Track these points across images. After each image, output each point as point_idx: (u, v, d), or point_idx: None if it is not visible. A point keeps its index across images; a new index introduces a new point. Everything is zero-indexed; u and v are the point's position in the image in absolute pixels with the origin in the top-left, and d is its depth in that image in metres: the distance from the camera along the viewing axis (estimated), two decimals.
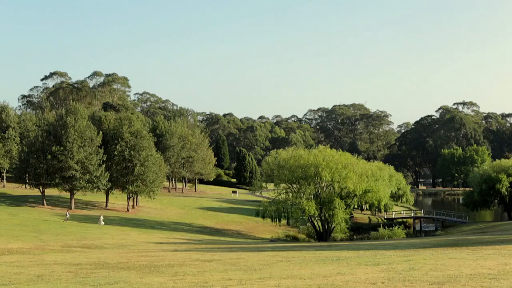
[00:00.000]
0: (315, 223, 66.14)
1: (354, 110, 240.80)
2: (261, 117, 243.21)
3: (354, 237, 71.92)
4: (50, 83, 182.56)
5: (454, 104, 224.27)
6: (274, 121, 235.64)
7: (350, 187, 63.05)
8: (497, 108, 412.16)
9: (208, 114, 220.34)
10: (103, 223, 59.03)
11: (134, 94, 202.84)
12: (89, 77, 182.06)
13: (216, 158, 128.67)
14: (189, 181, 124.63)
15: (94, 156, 69.53)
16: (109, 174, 71.53)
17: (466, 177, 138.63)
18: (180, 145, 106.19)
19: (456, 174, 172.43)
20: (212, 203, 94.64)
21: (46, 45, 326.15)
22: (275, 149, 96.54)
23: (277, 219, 65.65)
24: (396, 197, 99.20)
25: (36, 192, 76.82)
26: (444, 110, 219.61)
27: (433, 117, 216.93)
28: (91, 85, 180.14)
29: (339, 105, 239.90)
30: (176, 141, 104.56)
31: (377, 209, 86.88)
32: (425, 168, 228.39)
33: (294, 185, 66.40)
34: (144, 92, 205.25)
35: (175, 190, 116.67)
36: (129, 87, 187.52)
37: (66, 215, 60.69)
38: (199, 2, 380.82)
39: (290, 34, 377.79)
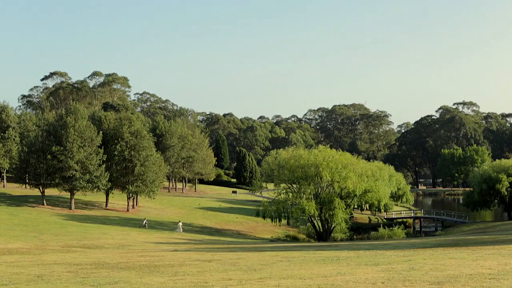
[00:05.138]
0: (315, 223, 66.11)
1: (354, 110, 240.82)
2: (261, 117, 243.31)
3: (354, 237, 71.88)
4: (50, 83, 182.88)
5: (454, 104, 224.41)
6: (274, 121, 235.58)
7: (350, 187, 63.02)
8: (497, 108, 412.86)
9: (208, 114, 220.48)
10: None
11: (134, 94, 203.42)
12: (89, 77, 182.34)
13: (216, 158, 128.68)
14: (189, 181, 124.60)
15: (94, 156, 69.51)
16: (109, 174, 71.50)
17: (466, 177, 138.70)
18: (180, 145, 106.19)
19: (456, 174, 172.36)
20: (212, 203, 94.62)
21: (46, 45, 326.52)
22: (275, 149, 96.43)
23: (277, 219, 65.69)
24: (396, 197, 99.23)
25: (36, 192, 76.80)
26: (444, 110, 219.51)
27: (433, 117, 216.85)
28: (91, 85, 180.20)
29: (339, 105, 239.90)
30: (176, 141, 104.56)
31: (377, 209, 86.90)
32: (425, 168, 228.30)
33: (294, 185, 66.38)
34: (144, 92, 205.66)
35: (175, 190, 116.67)
36: (129, 87, 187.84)
37: (144, 222, 60.37)
38: (199, 2, 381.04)
39: (290, 34, 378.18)
